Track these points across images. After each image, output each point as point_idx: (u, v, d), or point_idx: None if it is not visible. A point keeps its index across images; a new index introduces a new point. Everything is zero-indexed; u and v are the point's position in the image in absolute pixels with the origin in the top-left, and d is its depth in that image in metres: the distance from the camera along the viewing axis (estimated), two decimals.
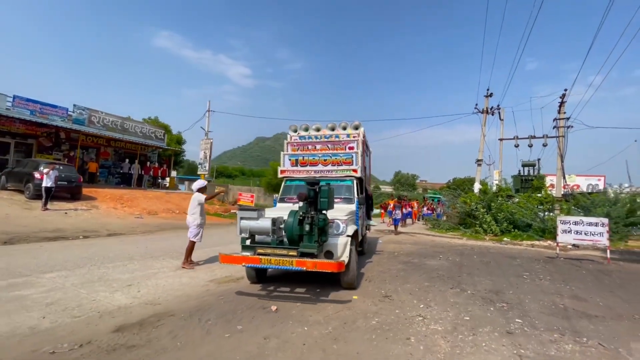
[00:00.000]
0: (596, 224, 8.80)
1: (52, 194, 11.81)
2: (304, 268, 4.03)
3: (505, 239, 12.92)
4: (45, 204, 11.56)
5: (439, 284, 5.44)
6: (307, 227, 4.25)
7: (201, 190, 6.14)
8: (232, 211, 17.89)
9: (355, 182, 6.41)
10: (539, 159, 20.19)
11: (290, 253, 4.25)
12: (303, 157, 6.44)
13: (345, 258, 4.45)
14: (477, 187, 17.04)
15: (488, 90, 17.84)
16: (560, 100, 15.17)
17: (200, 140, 22.97)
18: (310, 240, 4.30)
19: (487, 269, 6.86)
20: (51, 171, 11.69)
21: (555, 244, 9.50)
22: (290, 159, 6.48)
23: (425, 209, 25.22)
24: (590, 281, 6.11)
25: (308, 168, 6.41)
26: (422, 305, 4.25)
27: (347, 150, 6.54)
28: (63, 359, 2.67)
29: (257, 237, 4.60)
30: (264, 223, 4.39)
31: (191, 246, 6.08)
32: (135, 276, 5.19)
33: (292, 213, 4.39)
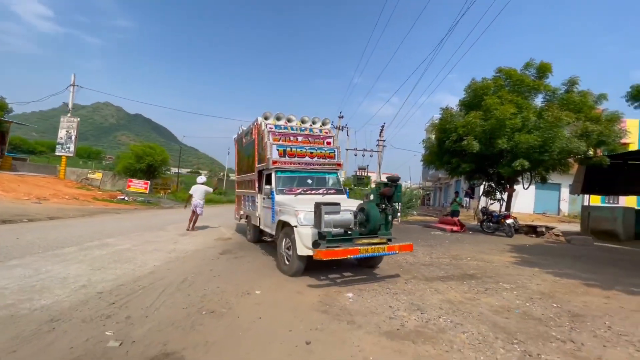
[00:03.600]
0: None
1: None
2: (396, 252, 4.85)
3: None
4: None
5: None
6: (389, 217, 4.95)
7: (203, 183, 9.39)
8: (119, 197, 17.75)
9: (338, 174, 6.86)
10: (367, 165, 29.75)
11: (374, 241, 4.80)
12: (291, 148, 6.27)
13: None
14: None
15: (340, 113, 25.20)
16: (380, 128, 23.86)
17: (62, 118, 20.29)
18: (387, 228, 4.96)
19: None
20: None
21: None
22: (278, 149, 6.15)
23: None
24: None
25: (297, 159, 6.28)
26: None
27: (326, 145, 6.71)
28: (221, 258, 5.95)
29: (333, 230, 4.58)
30: (347, 216, 4.74)
31: (196, 218, 9.20)
32: (168, 239, 7.81)
33: (371, 206, 4.81)
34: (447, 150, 12.88)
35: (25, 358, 2.40)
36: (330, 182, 6.64)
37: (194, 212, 9.23)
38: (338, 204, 4.64)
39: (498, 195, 13.91)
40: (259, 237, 7.69)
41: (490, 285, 4.86)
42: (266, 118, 6.57)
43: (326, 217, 4.45)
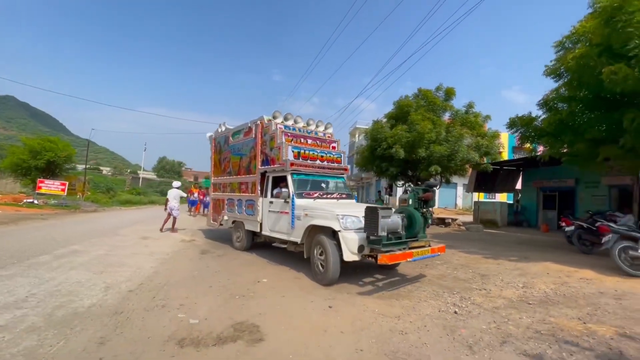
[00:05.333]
0: None
1: None
2: (439, 253, 4.97)
3: None
4: None
5: None
6: (429, 221, 5.06)
7: (178, 188, 9.91)
8: (25, 200, 15.28)
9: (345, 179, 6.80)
10: None
11: (421, 244, 4.94)
12: (305, 150, 6.12)
13: None
14: None
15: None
16: None
17: None
18: (424, 231, 4.99)
19: None
20: None
21: None
22: (293, 151, 5.94)
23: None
24: None
25: (310, 162, 6.14)
26: None
27: (332, 149, 6.64)
28: (206, 257, 6.52)
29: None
30: (398, 220, 4.69)
31: (174, 220, 9.71)
32: (134, 242, 7.84)
33: (414, 210, 4.88)
34: (377, 156, 15.10)
35: (134, 335, 3.00)
36: (340, 186, 6.62)
37: (169, 214, 9.72)
38: (390, 208, 4.73)
39: None
40: (252, 244, 7.34)
41: (427, 262, 6.69)
42: (275, 117, 6.37)
43: (382, 222, 4.34)
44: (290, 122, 6.56)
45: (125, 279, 4.80)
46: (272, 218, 6.32)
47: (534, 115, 8.51)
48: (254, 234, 7.12)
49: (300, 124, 6.71)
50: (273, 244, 6.36)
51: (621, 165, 7.95)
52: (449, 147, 13.18)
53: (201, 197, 19.04)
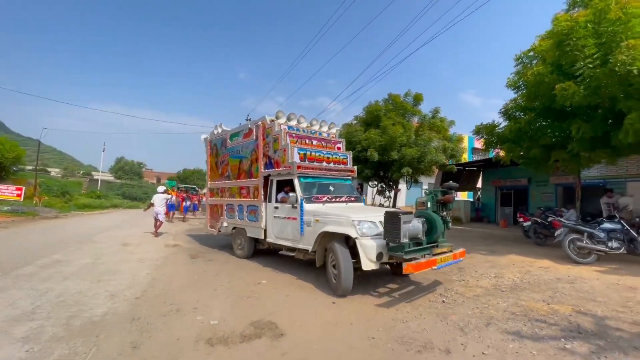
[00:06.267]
0: None
1: None
2: (461, 259, 4.77)
3: None
4: None
5: None
6: (448, 225, 4.86)
7: (164, 192, 9.96)
8: None
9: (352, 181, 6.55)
10: None
11: (444, 249, 4.69)
12: (311, 152, 5.89)
13: None
14: None
15: (248, 116, 25.83)
16: None
17: None
18: (444, 235, 4.79)
19: None
20: None
21: None
22: (299, 153, 5.70)
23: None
24: None
25: (316, 164, 5.88)
26: None
27: (337, 150, 6.45)
28: (199, 261, 6.59)
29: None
30: (418, 225, 4.39)
31: (159, 224, 9.73)
32: (118, 249, 7.64)
33: (433, 214, 4.62)
34: (352, 158, 15.70)
35: (164, 338, 3.16)
36: (347, 189, 6.34)
37: (156, 219, 9.75)
38: (411, 212, 4.41)
39: (387, 194, 17.70)
40: (254, 250, 7.07)
41: None
42: (277, 118, 6.09)
43: (404, 227, 4.05)
44: (293, 122, 6.25)
45: (127, 287, 4.82)
46: (278, 224, 6.02)
47: (496, 122, 9.50)
48: (256, 240, 6.84)
49: (304, 124, 6.40)
50: (280, 252, 6.03)
51: (566, 167, 9.16)
52: (418, 150, 14.10)
53: (181, 200, 18.41)
